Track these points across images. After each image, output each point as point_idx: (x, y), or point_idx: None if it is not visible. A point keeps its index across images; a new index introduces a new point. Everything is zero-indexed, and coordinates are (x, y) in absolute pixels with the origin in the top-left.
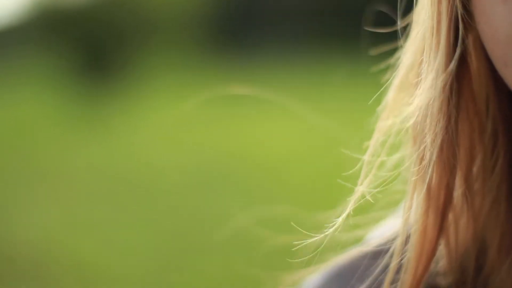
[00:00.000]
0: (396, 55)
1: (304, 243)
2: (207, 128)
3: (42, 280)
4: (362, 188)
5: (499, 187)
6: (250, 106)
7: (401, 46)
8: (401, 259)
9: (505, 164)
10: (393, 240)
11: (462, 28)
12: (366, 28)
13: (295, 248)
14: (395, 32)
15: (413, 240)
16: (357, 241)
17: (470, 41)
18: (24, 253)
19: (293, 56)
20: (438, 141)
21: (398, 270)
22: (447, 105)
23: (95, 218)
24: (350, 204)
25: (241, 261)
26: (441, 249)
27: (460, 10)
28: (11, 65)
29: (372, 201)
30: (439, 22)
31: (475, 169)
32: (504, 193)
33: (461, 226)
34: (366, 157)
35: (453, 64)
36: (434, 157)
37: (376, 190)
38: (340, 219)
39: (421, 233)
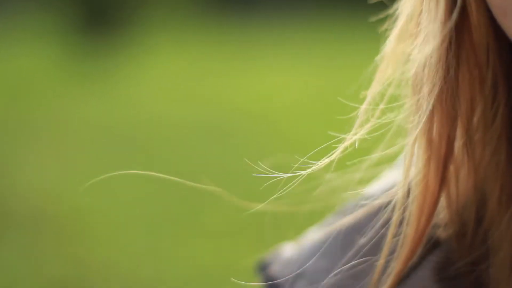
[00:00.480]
0: (395, 5)
1: (292, 184)
2: (209, 83)
3: (41, 232)
4: (356, 137)
5: (499, 138)
6: (251, 61)
7: None
8: (403, 212)
9: (505, 115)
10: (394, 193)
11: None
12: None
13: (281, 191)
14: None
15: (415, 192)
16: (357, 195)
17: None
18: (23, 205)
19: (293, 13)
20: (437, 91)
21: (400, 224)
22: (446, 55)
23: (95, 171)
24: (339, 149)
25: (243, 215)
26: (442, 201)
27: None
28: (11, 19)
29: (366, 151)
30: None
31: (475, 120)
32: (504, 144)
33: (461, 177)
34: (363, 106)
35: (454, 15)
36: (432, 108)
37: (370, 136)
38: (324, 161)
39: (423, 185)
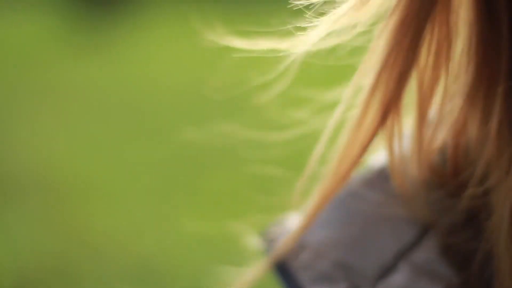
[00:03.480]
0: None
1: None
2: (212, 54)
3: (45, 198)
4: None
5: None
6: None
7: None
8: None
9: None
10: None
11: None
12: None
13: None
14: None
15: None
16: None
17: None
18: (26, 170)
19: None
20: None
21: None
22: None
23: (98, 137)
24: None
25: (246, 176)
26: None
27: None
28: None
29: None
30: None
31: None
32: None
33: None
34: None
35: None
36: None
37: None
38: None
39: (357, 121)
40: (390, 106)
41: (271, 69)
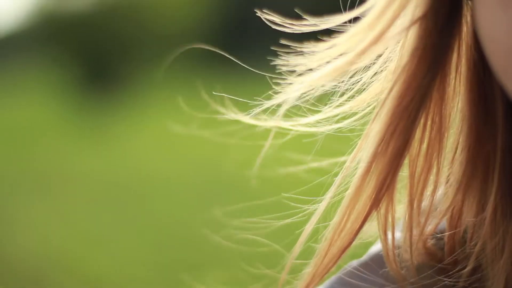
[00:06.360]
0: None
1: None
2: (206, 139)
3: (41, 286)
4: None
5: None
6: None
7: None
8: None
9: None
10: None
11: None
12: None
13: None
14: None
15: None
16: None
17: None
18: (23, 258)
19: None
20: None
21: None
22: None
23: (94, 225)
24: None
25: (242, 270)
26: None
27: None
28: (13, 71)
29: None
30: None
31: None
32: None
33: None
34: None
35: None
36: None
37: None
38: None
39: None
40: (383, 192)
41: (264, 148)
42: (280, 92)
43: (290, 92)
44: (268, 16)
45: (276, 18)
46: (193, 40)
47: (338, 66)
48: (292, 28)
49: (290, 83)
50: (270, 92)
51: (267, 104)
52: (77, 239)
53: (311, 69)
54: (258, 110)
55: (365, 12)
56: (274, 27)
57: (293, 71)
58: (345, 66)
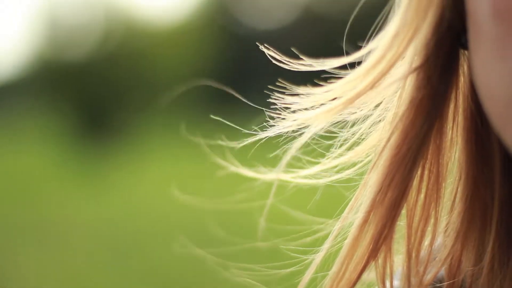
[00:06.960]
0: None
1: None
2: (206, 184)
3: None
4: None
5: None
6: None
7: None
8: None
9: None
10: None
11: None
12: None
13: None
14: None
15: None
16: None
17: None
18: None
19: None
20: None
21: None
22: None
23: (93, 274)
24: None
25: None
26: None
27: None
28: (11, 119)
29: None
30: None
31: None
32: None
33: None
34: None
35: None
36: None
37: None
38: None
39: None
40: (380, 242)
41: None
42: (272, 124)
43: (282, 127)
44: (270, 52)
45: (277, 55)
46: (190, 88)
47: (332, 107)
48: (290, 65)
49: (283, 118)
50: (264, 123)
51: (261, 135)
52: (77, 286)
53: (306, 109)
54: (259, 165)
55: (363, 57)
56: (274, 62)
57: (288, 108)
58: (339, 108)
